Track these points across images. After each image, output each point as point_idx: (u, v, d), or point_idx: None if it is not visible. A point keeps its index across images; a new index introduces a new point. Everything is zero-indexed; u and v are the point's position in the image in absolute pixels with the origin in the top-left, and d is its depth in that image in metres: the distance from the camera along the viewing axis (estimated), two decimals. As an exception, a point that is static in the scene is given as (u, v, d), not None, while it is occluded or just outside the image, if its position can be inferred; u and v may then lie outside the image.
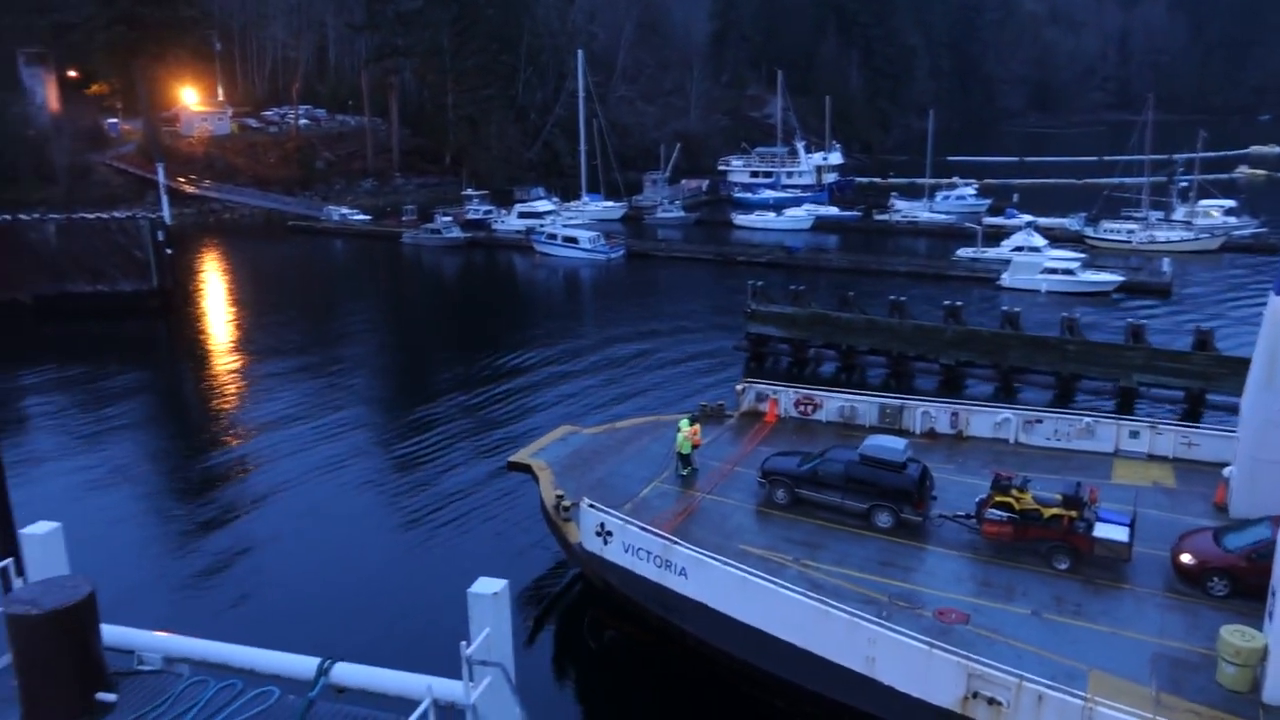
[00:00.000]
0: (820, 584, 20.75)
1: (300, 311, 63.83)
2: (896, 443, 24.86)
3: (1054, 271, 61.34)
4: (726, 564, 20.26)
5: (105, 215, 62.10)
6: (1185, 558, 20.62)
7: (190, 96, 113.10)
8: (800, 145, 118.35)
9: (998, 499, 22.14)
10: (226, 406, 43.49)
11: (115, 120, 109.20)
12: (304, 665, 11.53)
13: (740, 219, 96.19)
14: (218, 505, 32.30)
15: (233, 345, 54.98)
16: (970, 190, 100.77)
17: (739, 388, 33.13)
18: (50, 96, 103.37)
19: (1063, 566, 21.29)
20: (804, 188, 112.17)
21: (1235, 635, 17.06)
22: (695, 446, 27.41)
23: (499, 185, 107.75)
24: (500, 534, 29.45)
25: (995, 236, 74.04)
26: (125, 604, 14.73)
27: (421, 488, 33.23)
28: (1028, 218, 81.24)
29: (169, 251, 59.90)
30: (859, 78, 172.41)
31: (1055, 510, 21.61)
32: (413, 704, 10.22)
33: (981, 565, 21.84)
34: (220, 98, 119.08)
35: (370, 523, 30.56)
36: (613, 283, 72.03)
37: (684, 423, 27.49)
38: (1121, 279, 61.12)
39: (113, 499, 32.62)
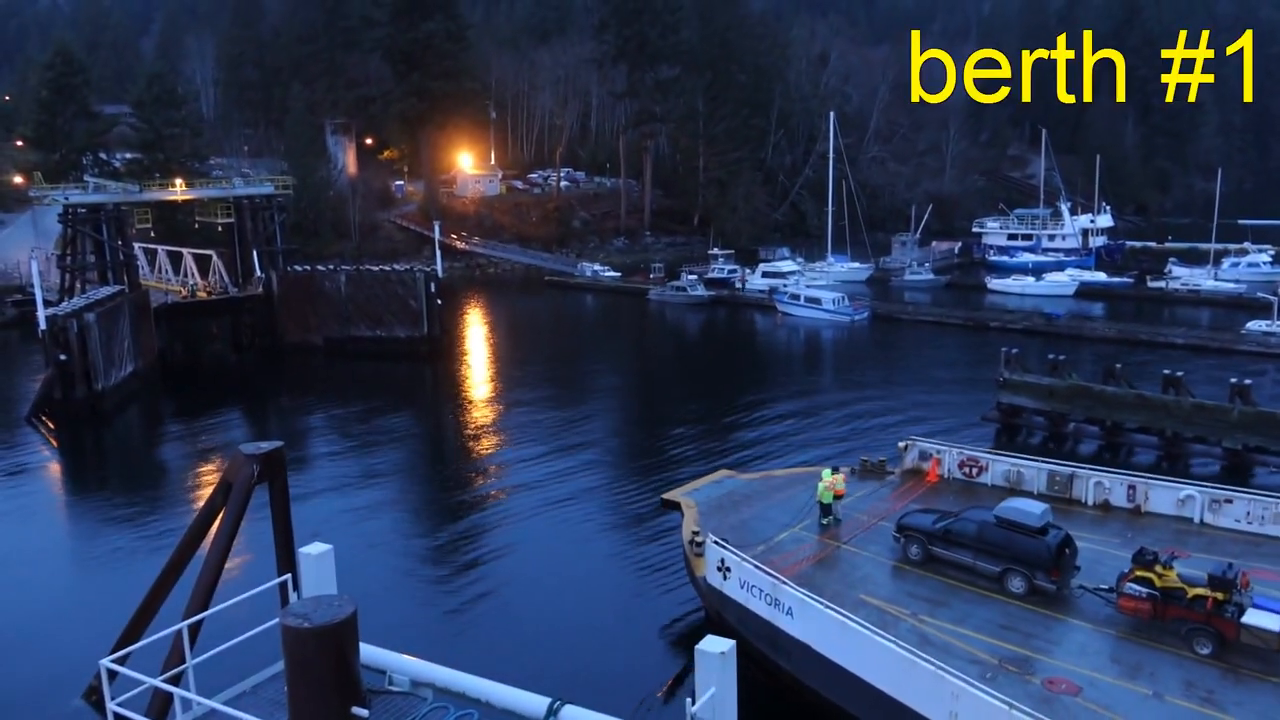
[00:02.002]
0: (930, 639, 20.55)
1: (550, 360, 67.24)
2: (1035, 506, 24.15)
3: (1369, 350, 54.06)
4: (828, 606, 20.44)
5: (387, 268, 68.47)
6: None
7: (466, 161, 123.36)
8: (1065, 206, 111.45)
9: (1138, 573, 21.01)
10: (480, 445, 46.75)
11: (401, 182, 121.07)
12: (535, 704, 11.97)
13: (995, 283, 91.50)
14: (464, 536, 34.75)
15: (489, 389, 58.93)
16: (1265, 257, 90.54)
17: (902, 444, 32.42)
18: (349, 161, 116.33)
19: (1204, 651, 19.76)
20: (1068, 251, 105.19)
21: None
22: (838, 496, 27.43)
23: (745, 245, 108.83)
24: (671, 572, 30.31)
25: (1295, 309, 66.14)
26: (373, 620, 15.91)
27: (633, 524, 35.07)
28: (1336, 288, 72.09)
29: (439, 302, 65.15)
30: (1134, 135, 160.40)
31: (1200, 590, 20.12)
32: (636, 755, 10.29)
33: (1112, 640, 20.70)
34: (492, 161, 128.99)
35: (590, 555, 32.56)
36: (854, 344, 70.63)
37: (825, 472, 27.82)
38: None
39: (373, 522, 35.74)
